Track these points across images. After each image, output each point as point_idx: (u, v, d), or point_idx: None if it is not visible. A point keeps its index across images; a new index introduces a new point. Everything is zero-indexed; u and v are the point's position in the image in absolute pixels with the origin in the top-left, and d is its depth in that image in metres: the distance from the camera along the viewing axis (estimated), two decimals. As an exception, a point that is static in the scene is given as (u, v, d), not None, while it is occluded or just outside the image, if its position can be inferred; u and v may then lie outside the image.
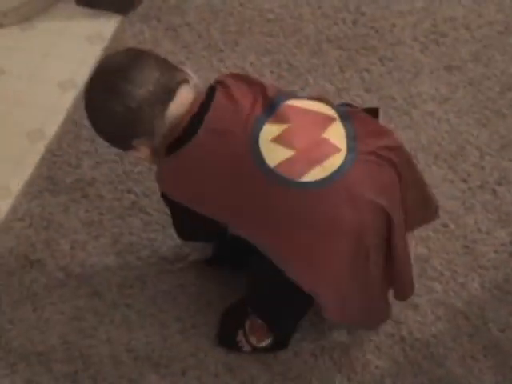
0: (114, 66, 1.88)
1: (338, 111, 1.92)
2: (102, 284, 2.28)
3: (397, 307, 2.21)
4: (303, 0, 2.96)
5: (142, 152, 1.92)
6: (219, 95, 1.89)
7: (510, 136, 2.60)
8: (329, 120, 1.90)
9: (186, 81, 1.88)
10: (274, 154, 1.82)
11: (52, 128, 2.59)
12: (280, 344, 2.18)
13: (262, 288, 2.04)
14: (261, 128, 1.84)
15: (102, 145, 2.34)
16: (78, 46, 2.82)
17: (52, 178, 2.47)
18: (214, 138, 1.85)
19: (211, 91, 1.91)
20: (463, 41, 2.86)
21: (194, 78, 1.91)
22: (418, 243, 2.34)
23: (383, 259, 1.93)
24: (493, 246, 2.37)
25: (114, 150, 2.13)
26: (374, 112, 2.11)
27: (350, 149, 1.85)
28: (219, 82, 1.93)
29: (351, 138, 1.87)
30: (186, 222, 2.03)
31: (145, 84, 1.83)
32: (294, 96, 1.96)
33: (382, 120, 2.22)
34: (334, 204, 1.82)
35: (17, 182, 2.47)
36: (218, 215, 1.88)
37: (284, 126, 1.85)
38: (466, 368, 2.16)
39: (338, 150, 1.85)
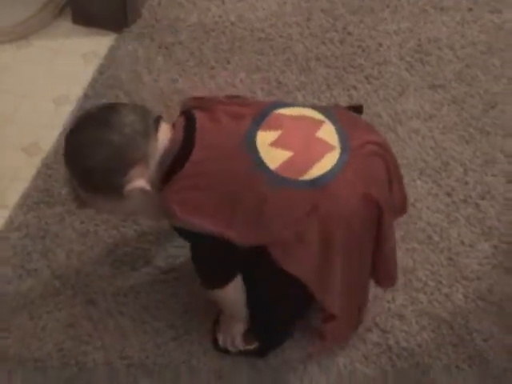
0: (98, 109, 1.91)
1: (324, 113, 1.96)
2: (96, 292, 2.28)
3: (383, 316, 2.23)
4: (292, 20, 2.97)
5: (138, 183, 1.85)
6: (200, 118, 1.91)
7: (493, 152, 2.62)
8: (319, 122, 1.93)
9: (160, 116, 1.91)
10: (273, 157, 1.84)
11: (48, 142, 2.59)
12: (266, 351, 2.19)
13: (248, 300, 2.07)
14: (253, 137, 1.87)
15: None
16: (73, 64, 2.82)
17: (48, 190, 2.48)
18: (211, 152, 1.86)
19: (187, 115, 1.93)
20: (447, 60, 2.88)
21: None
22: (404, 255, 2.35)
23: (372, 246, 1.98)
24: (476, 259, 2.38)
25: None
26: (358, 109, 2.13)
27: (342, 146, 1.89)
28: (194, 107, 1.96)
29: (342, 136, 1.91)
30: (223, 255, 1.91)
31: (131, 114, 1.86)
32: (281, 105, 1.98)
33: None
34: (333, 198, 1.85)
35: (13, 195, 2.47)
36: (230, 226, 1.85)
37: (278, 132, 1.88)
38: (451, 377, 2.17)
39: (333, 147, 1.88)
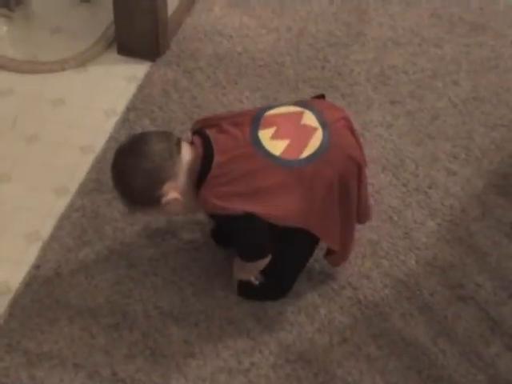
0: (128, 142, 1.91)
1: (301, 106, 1.98)
2: (136, 258, 2.25)
3: (355, 277, 2.21)
4: (285, 51, 2.94)
5: (172, 195, 1.86)
6: (211, 133, 1.92)
7: (437, 153, 2.59)
8: (300, 113, 1.95)
9: (180, 138, 1.91)
10: (276, 147, 1.87)
11: (99, 144, 2.56)
12: (277, 294, 2.17)
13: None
14: (256, 136, 1.88)
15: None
16: (118, 84, 2.79)
17: (99, 180, 2.44)
18: (229, 156, 1.87)
19: (200, 133, 1.94)
20: (403, 82, 2.85)
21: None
22: (370, 230, 2.33)
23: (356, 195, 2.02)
24: (425, 233, 2.36)
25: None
26: (322, 97, 2.15)
27: (322, 125, 1.92)
28: (202, 127, 1.97)
29: (319, 118, 1.93)
30: (262, 231, 1.90)
31: (158, 143, 1.85)
32: (267, 108, 1.99)
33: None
34: (327, 167, 1.89)
35: (73, 185, 2.44)
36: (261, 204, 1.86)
37: (274, 128, 1.90)
38: (405, 322, 2.15)
39: (316, 128, 1.91)
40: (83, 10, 3.05)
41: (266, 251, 1.95)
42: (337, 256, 2.14)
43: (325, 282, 2.22)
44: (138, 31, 2.81)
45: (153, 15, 2.75)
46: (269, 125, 1.91)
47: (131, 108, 2.67)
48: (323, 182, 1.90)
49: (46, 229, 2.31)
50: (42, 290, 2.16)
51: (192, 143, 1.93)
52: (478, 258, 2.30)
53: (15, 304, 2.13)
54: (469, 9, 3.20)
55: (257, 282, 2.12)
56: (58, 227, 2.32)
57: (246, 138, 1.89)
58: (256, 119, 1.93)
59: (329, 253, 2.15)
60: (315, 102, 2.04)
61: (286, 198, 1.88)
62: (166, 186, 1.85)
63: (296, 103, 2.02)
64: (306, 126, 1.92)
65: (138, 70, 2.85)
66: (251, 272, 2.10)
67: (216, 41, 2.97)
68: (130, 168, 1.85)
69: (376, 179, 2.46)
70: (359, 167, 1.97)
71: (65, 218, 2.34)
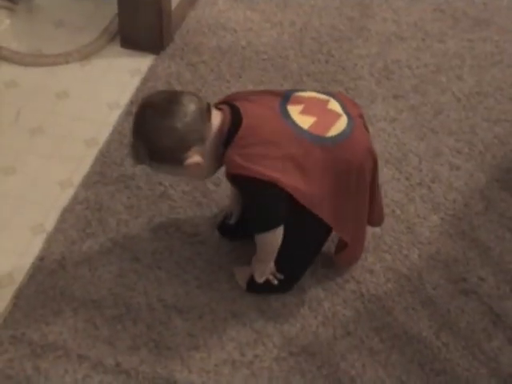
0: (161, 98, 1.88)
1: (327, 94, 2.02)
2: (140, 251, 2.26)
3: (358, 271, 2.21)
4: (288, 45, 2.94)
5: (195, 159, 1.85)
6: (238, 102, 1.93)
7: (440, 147, 2.60)
8: (326, 99, 1.99)
9: (209, 103, 1.90)
10: (304, 121, 1.91)
11: (103, 136, 2.57)
12: (285, 286, 2.16)
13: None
14: (285, 109, 1.92)
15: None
16: (122, 77, 2.79)
17: (103, 173, 2.45)
18: (257, 121, 1.88)
19: (228, 103, 1.94)
20: (406, 77, 2.85)
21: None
22: (373, 224, 2.33)
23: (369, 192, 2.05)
24: (428, 228, 2.37)
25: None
26: None
27: (347, 114, 1.96)
28: (228, 100, 1.97)
29: (344, 109, 1.97)
30: (278, 203, 1.90)
31: (190, 104, 1.83)
32: (297, 90, 2.03)
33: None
34: (348, 151, 1.92)
35: (77, 177, 2.44)
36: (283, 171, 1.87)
37: (302, 106, 1.93)
38: (408, 316, 2.16)
39: (341, 115, 1.95)
40: (87, 2, 3.05)
41: (278, 221, 1.93)
42: (347, 254, 2.13)
43: (328, 276, 2.23)
44: (141, 24, 2.82)
45: (156, 8, 2.75)
46: (297, 102, 1.95)
47: (135, 101, 2.67)
48: (343, 165, 1.92)
49: (50, 221, 2.32)
50: (47, 281, 2.17)
51: (220, 109, 1.93)
52: (481, 252, 2.31)
53: (20, 295, 2.14)
54: (472, 4, 3.20)
55: (275, 282, 2.12)
56: (62, 219, 2.33)
57: (275, 109, 1.92)
58: (285, 96, 1.97)
59: (338, 250, 2.16)
60: (340, 95, 2.07)
61: (306, 172, 1.89)
62: (192, 151, 1.84)
63: (322, 92, 2.05)
64: (331, 111, 1.96)
65: (141, 63, 2.85)
66: (268, 258, 2.07)
67: (220, 34, 2.97)
68: (160, 126, 1.81)
69: (379, 173, 2.44)
70: (375, 163, 2.02)
71: (69, 210, 2.35)
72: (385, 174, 2.48)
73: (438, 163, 2.55)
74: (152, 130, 1.83)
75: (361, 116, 2.04)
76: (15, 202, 2.37)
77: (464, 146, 2.61)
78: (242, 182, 1.90)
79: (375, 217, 2.16)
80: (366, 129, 2.06)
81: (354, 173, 1.94)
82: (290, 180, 1.86)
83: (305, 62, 2.88)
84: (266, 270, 2.10)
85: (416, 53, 2.96)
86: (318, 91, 2.05)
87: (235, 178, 1.91)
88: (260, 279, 2.11)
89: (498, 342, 2.12)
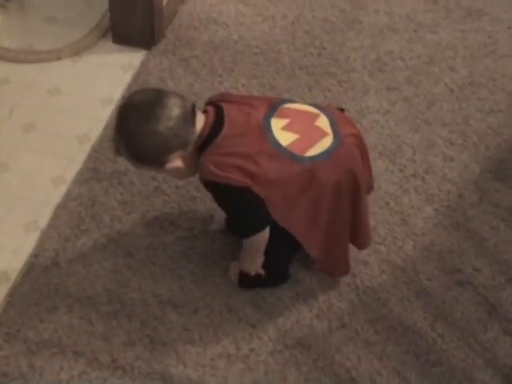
0: (145, 99, 1.84)
1: (319, 109, 1.98)
2: (133, 247, 2.26)
3: (352, 263, 2.20)
4: (281, 38, 2.94)
5: (176, 163, 1.85)
6: (225, 106, 1.91)
7: (434, 138, 2.60)
8: (316, 114, 1.96)
9: (194, 104, 1.88)
10: (285, 137, 1.89)
11: (95, 132, 2.57)
12: (275, 279, 2.17)
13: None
14: (269, 122, 1.90)
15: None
16: (114, 73, 2.79)
17: (96, 169, 2.45)
18: (237, 131, 1.87)
19: (215, 105, 1.93)
20: (399, 69, 2.85)
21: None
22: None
23: (350, 213, 1.99)
24: (422, 219, 2.37)
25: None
26: (342, 110, 2.14)
27: (334, 133, 1.92)
28: (219, 100, 1.96)
29: (334, 127, 1.94)
30: (256, 208, 1.89)
31: (174, 107, 1.80)
32: (287, 101, 2.01)
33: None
34: (326, 172, 1.89)
35: (70, 174, 2.44)
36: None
37: (288, 120, 1.91)
38: (403, 307, 2.17)
39: (327, 133, 1.92)
40: (78, -2, 3.06)
41: (261, 224, 1.92)
42: (322, 265, 2.11)
43: (323, 269, 2.23)
44: (133, 20, 2.81)
45: (148, 3, 2.74)
46: (283, 116, 1.93)
47: (127, 97, 2.67)
48: (317, 184, 1.89)
49: (44, 218, 2.32)
50: (41, 278, 2.18)
51: (205, 111, 1.92)
52: (476, 242, 2.31)
53: (14, 293, 2.14)
54: (465, -6, 3.20)
55: (261, 272, 2.12)
56: (56, 216, 2.33)
57: (259, 120, 1.90)
58: (273, 107, 1.95)
59: (314, 261, 2.12)
60: (334, 111, 2.03)
61: (277, 189, 1.88)
62: (174, 155, 1.83)
63: (314, 105, 2.03)
64: (317, 128, 1.93)
65: (133, 58, 2.84)
66: (257, 254, 2.07)
67: (211, 29, 2.96)
68: (143, 130, 1.79)
69: (373, 165, 2.43)
70: (357, 184, 1.95)
71: (62, 207, 2.35)
72: (379, 166, 2.48)
73: (431, 154, 2.55)
74: (135, 133, 1.81)
75: (355, 135, 2.00)
76: (8, 200, 2.37)
77: (457, 137, 2.61)
78: (215, 189, 1.91)
79: (361, 239, 2.11)
80: (361, 149, 2.02)
81: (329, 192, 1.91)
82: (260, 190, 1.86)
83: (297, 55, 2.88)
84: (253, 266, 2.10)
85: (409, 44, 2.95)
86: (311, 104, 2.04)
87: (208, 184, 1.92)
88: (251, 273, 2.12)
89: (494, 332, 2.12)
